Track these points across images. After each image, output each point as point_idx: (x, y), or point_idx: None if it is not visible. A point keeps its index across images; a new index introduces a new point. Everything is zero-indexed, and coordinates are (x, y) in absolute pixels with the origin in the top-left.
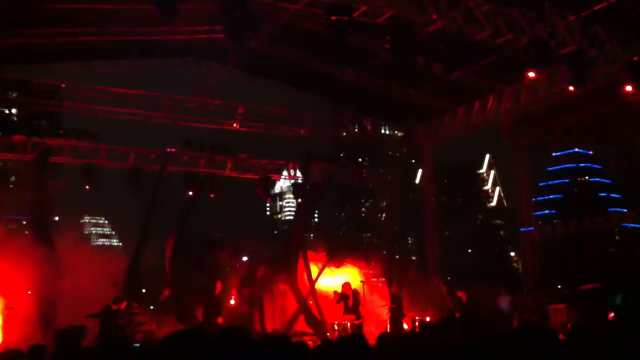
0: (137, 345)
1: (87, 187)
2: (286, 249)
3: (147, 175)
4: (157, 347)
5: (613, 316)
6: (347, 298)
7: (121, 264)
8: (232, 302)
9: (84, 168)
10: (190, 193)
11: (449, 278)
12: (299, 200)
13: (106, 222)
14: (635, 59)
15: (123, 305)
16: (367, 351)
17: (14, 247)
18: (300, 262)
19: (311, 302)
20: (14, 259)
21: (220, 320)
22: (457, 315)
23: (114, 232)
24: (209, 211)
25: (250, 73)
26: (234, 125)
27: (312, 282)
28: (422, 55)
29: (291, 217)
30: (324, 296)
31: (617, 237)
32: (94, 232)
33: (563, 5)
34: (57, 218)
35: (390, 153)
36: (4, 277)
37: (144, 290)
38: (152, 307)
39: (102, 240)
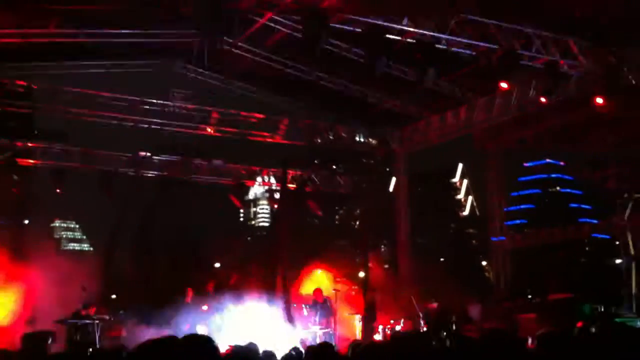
0: (106, 351)
1: (58, 190)
2: (264, 255)
3: (119, 179)
4: (126, 354)
5: (582, 326)
6: (318, 305)
7: (92, 269)
8: (205, 308)
9: (54, 171)
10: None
11: (420, 287)
12: (275, 206)
13: (77, 226)
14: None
15: (92, 310)
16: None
17: None
18: (280, 269)
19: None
20: None
21: (187, 327)
22: (427, 324)
23: (85, 237)
24: (180, 216)
25: (225, 77)
26: (208, 130)
27: (287, 290)
28: (397, 64)
29: (265, 224)
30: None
31: (587, 248)
32: (64, 236)
33: (536, 17)
34: (27, 221)
35: (364, 160)
36: None
37: (114, 296)
38: (121, 312)
39: (72, 244)
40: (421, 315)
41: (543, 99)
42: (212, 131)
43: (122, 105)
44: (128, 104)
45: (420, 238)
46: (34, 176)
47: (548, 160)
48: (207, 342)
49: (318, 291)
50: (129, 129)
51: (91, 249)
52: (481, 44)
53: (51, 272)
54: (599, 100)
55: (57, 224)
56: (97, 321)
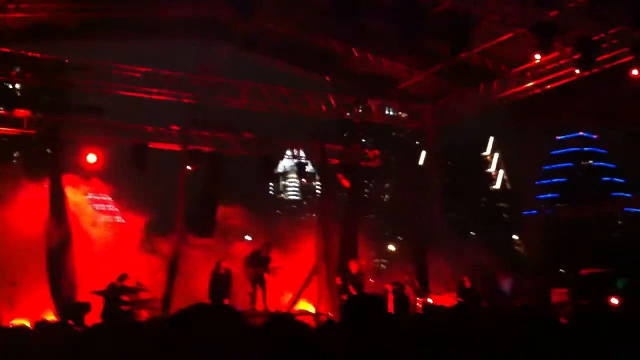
0: (142, 322)
1: (91, 161)
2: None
3: (152, 152)
4: (162, 325)
5: (618, 301)
6: (350, 276)
7: (126, 241)
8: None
9: (89, 144)
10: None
11: (452, 261)
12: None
13: (110, 199)
14: None
15: (129, 282)
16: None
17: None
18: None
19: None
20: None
21: (227, 301)
22: (459, 300)
23: (117, 210)
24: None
25: (255, 52)
26: (239, 104)
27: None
28: (429, 36)
29: (295, 198)
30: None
31: (620, 222)
32: (98, 208)
33: None
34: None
35: (394, 134)
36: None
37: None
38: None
39: (106, 217)
40: (456, 289)
41: (578, 71)
42: (242, 105)
43: (155, 80)
44: (161, 78)
45: (451, 212)
46: (69, 149)
47: (581, 133)
48: (233, 312)
49: (352, 262)
50: (162, 103)
51: (124, 221)
52: (515, 14)
53: (87, 245)
54: (635, 72)
55: (91, 197)
56: (133, 292)
